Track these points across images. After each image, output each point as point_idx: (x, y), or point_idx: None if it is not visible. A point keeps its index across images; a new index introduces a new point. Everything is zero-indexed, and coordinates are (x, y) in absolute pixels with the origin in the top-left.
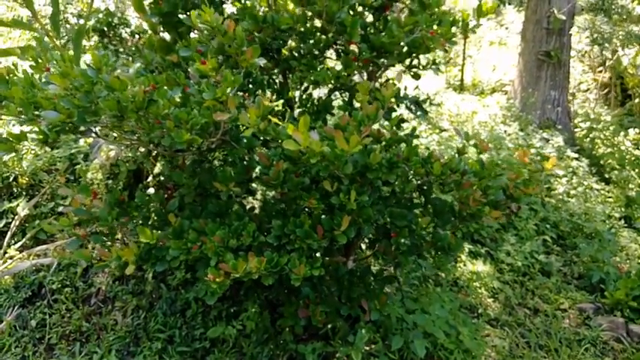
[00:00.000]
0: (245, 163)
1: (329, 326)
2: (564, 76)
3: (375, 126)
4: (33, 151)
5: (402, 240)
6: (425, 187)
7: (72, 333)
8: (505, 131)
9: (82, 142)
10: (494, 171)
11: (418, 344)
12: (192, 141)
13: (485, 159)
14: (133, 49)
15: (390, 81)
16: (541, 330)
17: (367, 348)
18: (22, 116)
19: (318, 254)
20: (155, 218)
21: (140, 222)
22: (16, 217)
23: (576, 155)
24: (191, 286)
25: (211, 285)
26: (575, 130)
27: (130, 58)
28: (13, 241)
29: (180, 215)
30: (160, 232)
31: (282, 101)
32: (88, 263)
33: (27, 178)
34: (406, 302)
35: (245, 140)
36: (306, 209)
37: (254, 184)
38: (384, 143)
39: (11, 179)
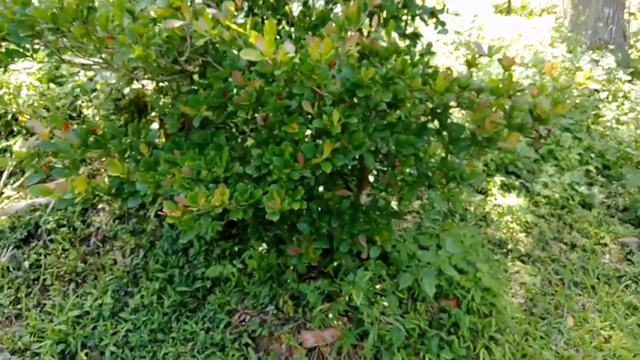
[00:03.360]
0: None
1: (334, 264)
2: None
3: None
4: (35, 88)
5: (408, 170)
6: (438, 111)
7: (67, 274)
8: (552, 54)
9: (82, 76)
10: (513, 87)
11: (427, 282)
12: (146, 57)
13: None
14: None
15: None
16: (577, 266)
17: (377, 287)
18: None
19: (321, 186)
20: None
21: (116, 155)
22: (14, 155)
23: (629, 78)
24: None
25: (175, 220)
26: (631, 51)
27: None
28: (11, 181)
29: (163, 147)
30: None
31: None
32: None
33: (27, 116)
34: (421, 238)
35: (228, 61)
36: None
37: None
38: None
39: (10, 117)
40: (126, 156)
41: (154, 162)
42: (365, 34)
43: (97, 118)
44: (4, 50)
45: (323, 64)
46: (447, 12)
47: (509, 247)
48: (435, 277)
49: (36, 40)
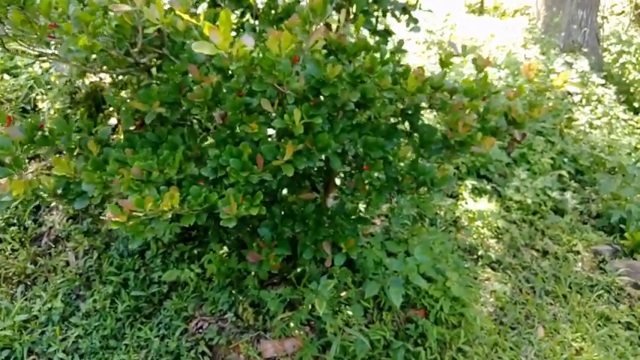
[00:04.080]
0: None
1: (298, 270)
2: None
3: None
4: None
5: (376, 174)
6: (409, 112)
7: (15, 275)
8: (524, 55)
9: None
10: (488, 89)
11: (394, 292)
12: (92, 47)
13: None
14: None
15: None
16: (549, 274)
17: (343, 294)
18: None
19: (285, 189)
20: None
21: (65, 152)
22: None
23: (603, 81)
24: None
25: (120, 225)
26: (604, 54)
27: None
28: None
29: (116, 145)
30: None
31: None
32: None
33: None
34: (388, 244)
35: (186, 54)
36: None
37: None
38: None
39: None
40: (75, 154)
41: (103, 161)
42: (334, 29)
43: (52, 112)
44: None
45: (284, 58)
46: (420, 9)
47: (480, 253)
48: (402, 287)
49: None
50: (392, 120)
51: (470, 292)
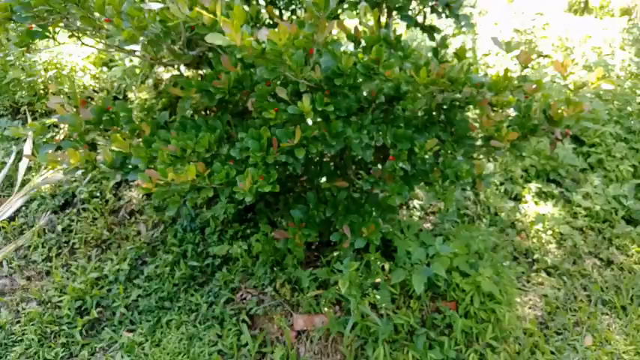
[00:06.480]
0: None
1: (335, 254)
2: None
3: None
4: (89, 70)
5: (400, 165)
6: (445, 107)
7: (93, 240)
8: (620, 57)
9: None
10: (510, 83)
11: (416, 279)
12: (133, 37)
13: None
14: None
15: None
16: (610, 284)
17: (377, 280)
18: None
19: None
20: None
21: (127, 132)
22: (60, 130)
23: None
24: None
25: (147, 191)
26: None
27: None
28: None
29: (171, 127)
30: None
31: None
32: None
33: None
34: (423, 235)
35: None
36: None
37: None
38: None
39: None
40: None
41: (152, 140)
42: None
43: (137, 101)
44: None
45: (295, 49)
46: (474, 6)
47: (536, 257)
48: (424, 276)
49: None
50: (421, 114)
51: (507, 291)
